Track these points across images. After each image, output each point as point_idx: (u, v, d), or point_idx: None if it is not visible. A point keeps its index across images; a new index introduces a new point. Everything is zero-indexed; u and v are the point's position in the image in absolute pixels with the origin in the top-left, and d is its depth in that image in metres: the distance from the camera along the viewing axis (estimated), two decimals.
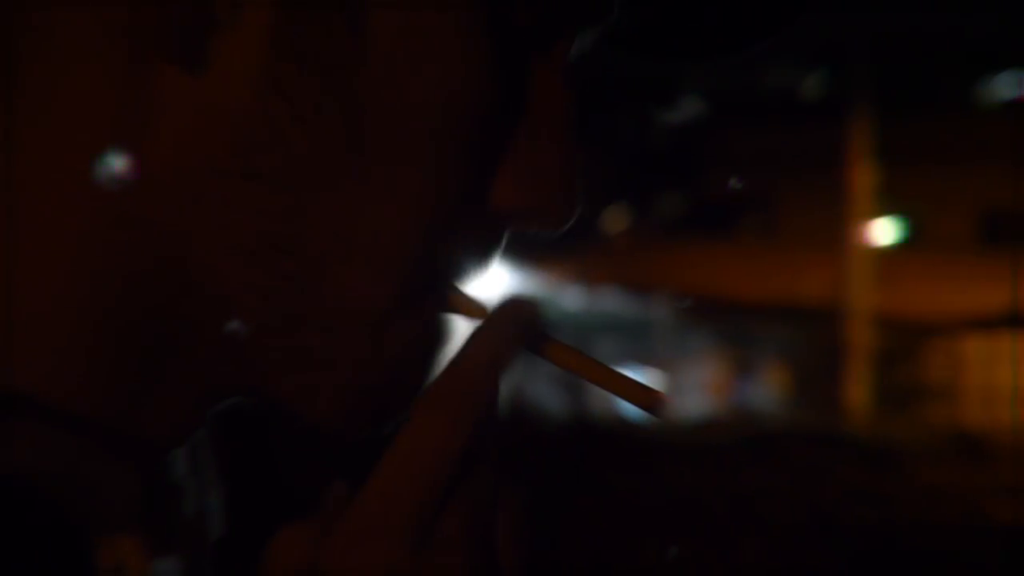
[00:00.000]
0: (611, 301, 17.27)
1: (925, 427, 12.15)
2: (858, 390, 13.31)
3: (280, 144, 0.38)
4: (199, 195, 0.38)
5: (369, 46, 0.37)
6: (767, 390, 14.44)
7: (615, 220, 20.69)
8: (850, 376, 13.40)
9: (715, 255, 18.32)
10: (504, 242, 0.44)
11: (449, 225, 0.40)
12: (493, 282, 0.45)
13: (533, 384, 14.58)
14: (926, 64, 18.69)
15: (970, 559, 6.42)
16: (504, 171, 0.41)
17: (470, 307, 0.42)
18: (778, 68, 22.20)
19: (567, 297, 16.95)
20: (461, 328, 0.43)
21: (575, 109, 0.42)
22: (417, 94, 0.38)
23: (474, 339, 0.39)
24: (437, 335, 0.43)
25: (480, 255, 0.43)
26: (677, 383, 15.07)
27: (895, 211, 16.83)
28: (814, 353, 14.16)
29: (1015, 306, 14.22)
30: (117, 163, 0.37)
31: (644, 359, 15.70)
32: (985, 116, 17.89)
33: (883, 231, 16.22)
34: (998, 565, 6.39)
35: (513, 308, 0.40)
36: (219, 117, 0.37)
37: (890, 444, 10.60)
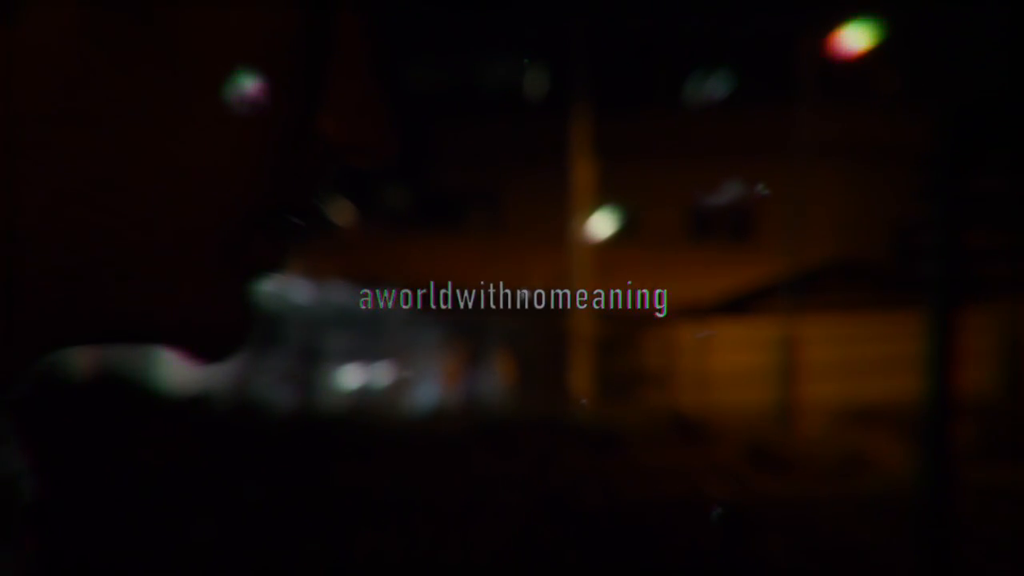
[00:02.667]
0: (342, 295, 17.13)
1: (644, 411, 12.66)
2: (582, 377, 13.66)
3: (100, 87, 0.39)
4: (23, 143, 0.38)
5: None
6: (497, 380, 14.63)
7: (343, 213, 20.56)
8: (574, 364, 13.73)
9: (443, 248, 18.44)
10: (337, 176, 0.47)
11: (278, 158, 0.43)
12: None
13: (260, 379, 14.35)
14: (641, 64, 19.42)
15: (689, 531, 6.81)
16: (326, 108, 0.44)
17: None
18: (501, 65, 22.59)
19: (296, 291, 16.70)
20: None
21: (379, 51, 0.46)
22: (231, 32, 0.40)
23: None
24: (273, 264, 0.45)
25: (314, 188, 0.46)
26: (409, 375, 15.12)
27: (614, 205, 17.31)
28: (540, 343, 14.42)
29: (723, 295, 15.01)
30: None
31: (376, 352, 15.69)
32: (695, 115, 18.64)
33: (603, 224, 16.66)
34: (715, 535, 6.81)
35: None
36: (37, 65, 0.38)
37: (613, 428, 11.00)
